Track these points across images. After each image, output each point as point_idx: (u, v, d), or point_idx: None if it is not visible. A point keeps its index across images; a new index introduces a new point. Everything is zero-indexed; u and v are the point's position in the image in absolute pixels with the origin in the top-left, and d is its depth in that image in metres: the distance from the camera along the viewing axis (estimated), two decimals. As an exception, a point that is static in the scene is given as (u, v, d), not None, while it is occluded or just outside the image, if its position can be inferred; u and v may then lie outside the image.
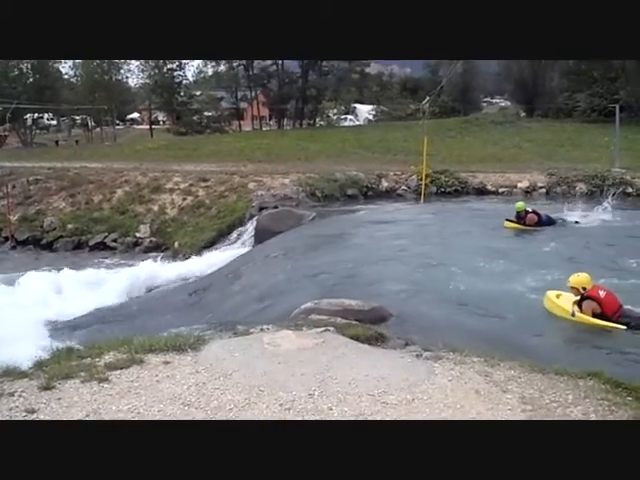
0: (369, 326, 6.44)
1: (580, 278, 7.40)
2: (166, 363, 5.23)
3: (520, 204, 14.11)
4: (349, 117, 63.14)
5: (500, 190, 19.88)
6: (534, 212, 13.87)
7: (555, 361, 5.38)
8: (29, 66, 41.98)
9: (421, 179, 19.34)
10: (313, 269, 10.87)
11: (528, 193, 19.84)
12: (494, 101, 64.67)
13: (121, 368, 5.11)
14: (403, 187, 19.75)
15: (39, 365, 5.52)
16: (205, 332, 6.45)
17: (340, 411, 4.20)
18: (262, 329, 6.15)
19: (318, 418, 4.08)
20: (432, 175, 19.64)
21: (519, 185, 20.10)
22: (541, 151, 26.64)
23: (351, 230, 13.77)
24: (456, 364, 5.21)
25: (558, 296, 7.67)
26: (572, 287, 7.42)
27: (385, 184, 19.67)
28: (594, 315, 7.18)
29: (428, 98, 21.82)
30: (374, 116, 57.85)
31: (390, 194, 19.40)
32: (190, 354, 5.43)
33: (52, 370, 5.20)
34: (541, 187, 19.98)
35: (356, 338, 5.91)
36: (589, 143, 26.50)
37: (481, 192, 19.90)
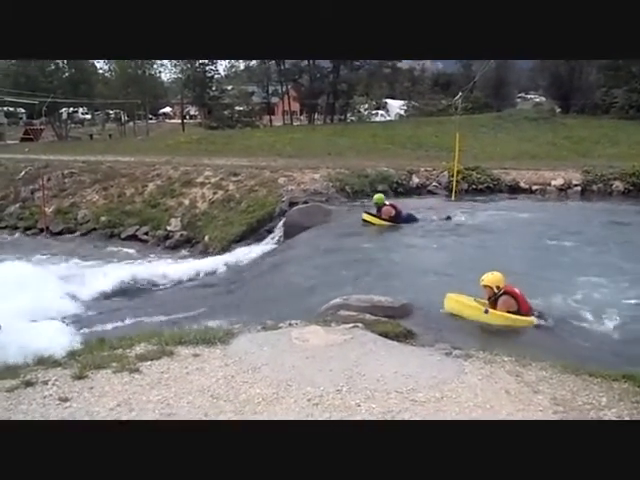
0: (398, 323, 6.41)
1: (495, 277, 7.32)
2: (196, 355, 5.29)
3: (378, 196, 13.83)
4: (380, 112, 62.79)
5: (533, 188, 19.44)
6: (392, 205, 13.63)
7: (588, 362, 5.27)
8: (65, 61, 42.78)
9: (452, 175, 19.07)
10: (343, 264, 10.86)
11: (562, 191, 19.38)
12: (528, 97, 63.53)
13: (152, 359, 5.18)
14: (434, 183, 19.49)
15: (72, 354, 5.64)
16: (234, 326, 6.49)
17: (368, 408, 4.19)
18: (290, 324, 6.16)
19: (346, 414, 4.07)
20: (464, 172, 19.34)
21: (553, 183, 19.64)
22: (577, 148, 26.08)
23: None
24: (486, 363, 5.15)
25: (459, 297, 7.48)
26: (486, 286, 7.32)
27: (416, 180, 19.46)
28: (508, 312, 7.15)
29: (461, 94, 21.47)
30: (405, 111, 57.42)
31: (421, 190, 19.18)
32: (219, 347, 5.48)
33: (85, 360, 5.30)
34: (576, 185, 19.46)
35: (385, 335, 5.89)
36: (627, 140, 25.87)
37: (514, 190, 19.47)
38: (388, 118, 55.92)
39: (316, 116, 46.85)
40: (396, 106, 63.05)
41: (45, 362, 5.35)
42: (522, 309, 7.19)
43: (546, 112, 39.69)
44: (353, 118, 49.29)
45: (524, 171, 20.60)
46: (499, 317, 7.13)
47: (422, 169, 20.25)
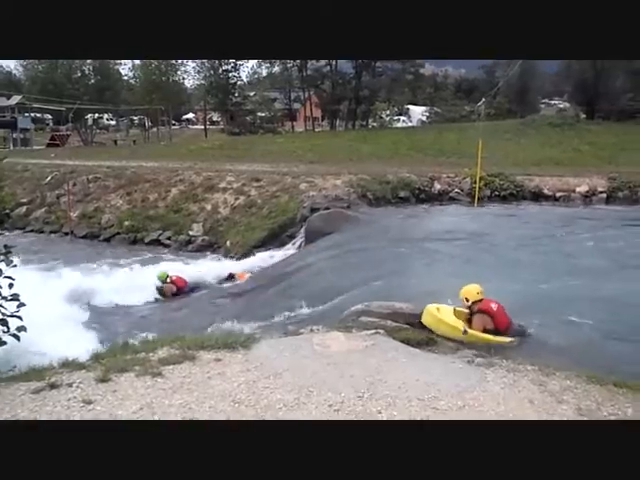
0: (420, 330, 6.38)
1: (467, 289, 6.89)
2: (217, 360, 5.31)
3: (161, 273, 13.20)
4: (402, 118, 62.67)
5: (557, 195, 19.22)
6: (174, 281, 13.13)
7: (614, 372, 5.18)
8: (91, 68, 43.51)
9: (475, 182, 18.98)
10: (364, 271, 10.84)
11: (587, 198, 19.11)
12: (552, 102, 62.91)
13: (174, 363, 5.22)
14: (456, 190, 19.36)
15: (96, 357, 5.70)
16: (255, 331, 6.52)
17: (389, 415, 4.16)
18: (312, 330, 6.16)
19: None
20: (486, 178, 19.20)
21: (577, 189, 19.39)
22: (602, 155, 25.71)
23: (404, 232, 13.64)
24: (509, 371, 5.09)
25: (438, 309, 6.84)
26: (465, 299, 6.88)
27: (438, 187, 19.36)
28: (485, 330, 6.63)
29: (484, 99, 21.41)
30: (427, 117, 57.22)
31: (442, 197, 19.08)
32: (241, 352, 5.50)
33: (108, 363, 5.35)
34: (601, 192, 19.16)
35: (406, 342, 5.86)
36: (654, 146, 25.44)
37: (537, 196, 19.27)
38: (410, 124, 55.77)
39: (337, 122, 46.95)
40: (418, 112, 62.88)
41: (69, 365, 5.41)
42: (499, 326, 6.67)
43: (570, 118, 39.24)
44: (375, 124, 49.27)
45: (548, 177, 20.38)
46: (475, 337, 6.50)
47: (444, 175, 20.14)
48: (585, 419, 4.05)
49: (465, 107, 49.10)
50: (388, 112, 57.04)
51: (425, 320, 6.72)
